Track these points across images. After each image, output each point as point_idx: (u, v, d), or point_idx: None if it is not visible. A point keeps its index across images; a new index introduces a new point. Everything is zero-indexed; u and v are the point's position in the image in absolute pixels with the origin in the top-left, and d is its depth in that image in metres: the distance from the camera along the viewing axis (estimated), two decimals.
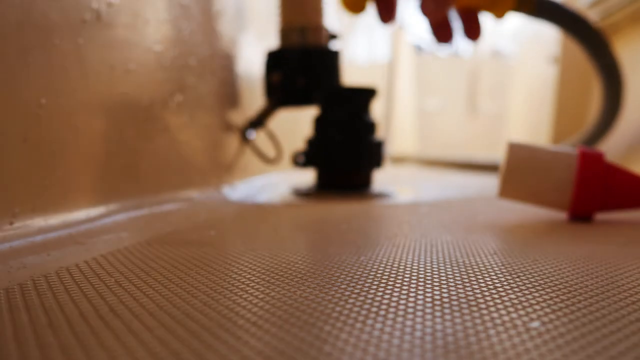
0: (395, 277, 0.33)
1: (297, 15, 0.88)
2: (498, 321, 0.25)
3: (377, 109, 1.20)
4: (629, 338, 0.23)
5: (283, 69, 0.87)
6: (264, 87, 0.90)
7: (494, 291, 0.30)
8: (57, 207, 0.43)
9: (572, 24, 0.97)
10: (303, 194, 0.87)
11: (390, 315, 0.25)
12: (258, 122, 0.90)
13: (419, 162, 2.33)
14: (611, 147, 1.14)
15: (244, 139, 0.90)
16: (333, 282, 0.32)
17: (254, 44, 1.01)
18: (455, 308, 0.27)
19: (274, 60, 0.89)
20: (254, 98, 0.99)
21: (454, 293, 0.29)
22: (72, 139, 0.46)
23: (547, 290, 0.30)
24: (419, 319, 0.25)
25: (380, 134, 1.00)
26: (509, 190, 0.61)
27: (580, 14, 0.98)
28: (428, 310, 0.26)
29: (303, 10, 0.87)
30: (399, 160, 2.58)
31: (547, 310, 0.27)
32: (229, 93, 0.87)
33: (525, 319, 0.25)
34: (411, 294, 0.29)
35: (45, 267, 0.35)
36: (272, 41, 1.00)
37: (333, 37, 0.91)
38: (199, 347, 0.22)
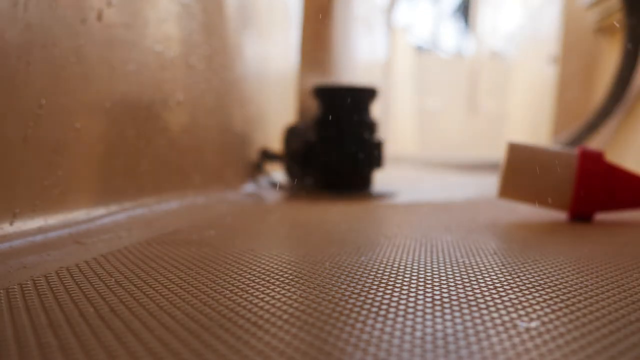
0: (395, 277, 0.33)
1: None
2: (498, 321, 0.25)
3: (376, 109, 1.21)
4: (629, 338, 0.23)
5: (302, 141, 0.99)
6: (286, 150, 1.00)
7: (493, 291, 0.30)
8: (57, 207, 0.44)
9: None
10: (275, 185, 0.96)
11: (390, 315, 0.25)
12: (274, 157, 0.99)
13: (421, 163, 2.33)
14: (622, 148, 1.14)
15: (261, 163, 0.98)
16: (333, 282, 0.32)
17: (256, 42, 1.01)
18: (456, 308, 0.27)
19: (294, 132, 1.00)
20: (255, 97, 0.99)
21: (454, 293, 0.29)
22: (72, 139, 0.46)
23: (547, 290, 0.30)
24: (419, 319, 0.25)
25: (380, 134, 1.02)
26: (509, 190, 0.61)
27: None
28: (428, 310, 0.26)
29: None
30: (397, 160, 2.56)
31: (547, 310, 0.27)
32: (230, 92, 0.87)
33: (525, 318, 0.25)
34: (411, 294, 0.29)
35: (45, 267, 0.35)
36: (273, 40, 1.01)
37: None
38: (199, 346, 0.22)
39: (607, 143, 1.17)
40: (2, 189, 0.38)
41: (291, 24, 1.21)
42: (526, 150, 0.60)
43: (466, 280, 0.32)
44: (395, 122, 2.90)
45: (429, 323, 0.24)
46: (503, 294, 0.29)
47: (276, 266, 0.36)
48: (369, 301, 0.28)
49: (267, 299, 0.28)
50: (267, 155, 0.98)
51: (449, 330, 0.23)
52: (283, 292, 0.30)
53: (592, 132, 1.16)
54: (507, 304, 0.27)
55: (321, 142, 0.89)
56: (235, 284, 0.31)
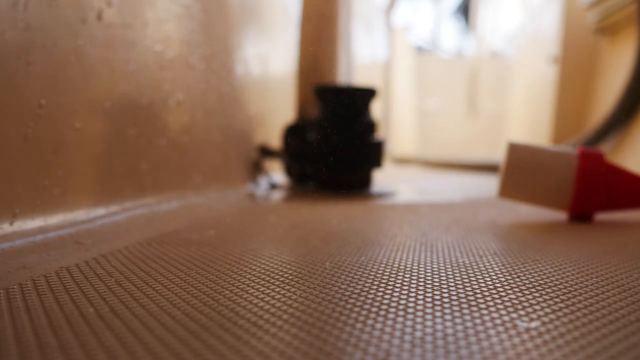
0: (395, 277, 0.33)
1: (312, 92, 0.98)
2: (498, 321, 0.25)
3: (376, 109, 1.21)
4: (629, 338, 0.23)
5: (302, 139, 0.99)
6: (285, 149, 0.99)
7: (493, 291, 0.30)
8: (57, 207, 0.44)
9: None
10: (275, 186, 0.97)
11: (390, 315, 0.25)
12: (272, 153, 0.98)
13: (420, 164, 2.34)
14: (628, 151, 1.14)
15: (259, 160, 0.98)
16: (333, 282, 0.32)
17: (255, 41, 1.01)
18: (456, 308, 0.27)
19: (294, 130, 0.99)
20: (255, 96, 0.99)
21: (454, 293, 0.29)
22: (72, 139, 0.46)
23: (547, 290, 0.30)
24: (419, 319, 0.25)
25: (380, 134, 1.02)
26: (509, 190, 0.61)
27: None
28: (428, 310, 0.26)
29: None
30: (402, 161, 2.60)
31: (547, 310, 0.27)
32: (230, 92, 0.87)
33: (526, 319, 0.25)
34: (411, 294, 0.29)
35: (45, 267, 0.35)
36: (273, 40, 1.01)
37: None
38: (199, 347, 0.22)
39: (611, 144, 1.17)
40: (2, 189, 0.38)
41: (291, 24, 1.21)
42: (526, 150, 0.60)
43: (466, 281, 0.32)
44: (395, 122, 2.90)
45: (429, 323, 0.24)
46: (503, 294, 0.29)
47: (276, 266, 0.36)
48: (369, 301, 0.28)
49: (267, 299, 0.28)
50: (265, 152, 0.98)
51: (449, 330, 0.23)
52: (283, 292, 0.30)
53: (612, 132, 1.15)
54: (507, 304, 0.27)
55: (321, 141, 0.89)
56: (235, 284, 0.31)
